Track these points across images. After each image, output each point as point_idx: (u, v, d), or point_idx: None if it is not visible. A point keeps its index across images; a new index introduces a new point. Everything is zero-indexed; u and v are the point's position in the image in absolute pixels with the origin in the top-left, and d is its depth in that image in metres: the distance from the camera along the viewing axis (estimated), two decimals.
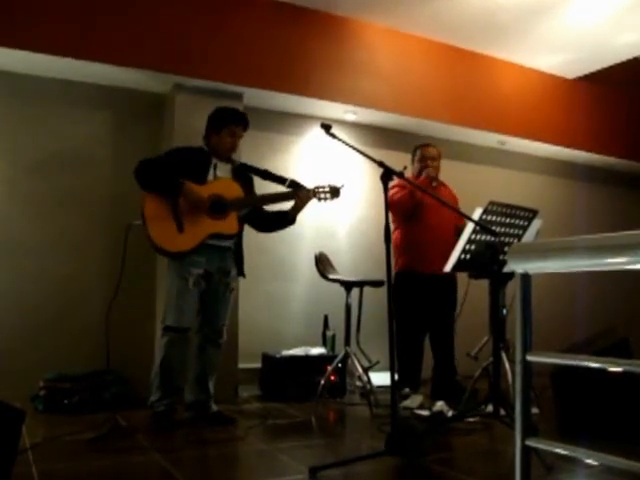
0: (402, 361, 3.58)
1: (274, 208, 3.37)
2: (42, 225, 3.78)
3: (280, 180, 3.32)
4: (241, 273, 3.30)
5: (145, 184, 3.04)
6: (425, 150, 3.82)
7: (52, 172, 3.83)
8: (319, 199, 3.28)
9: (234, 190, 3.14)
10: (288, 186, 3.27)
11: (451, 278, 3.75)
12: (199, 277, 3.09)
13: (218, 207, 3.07)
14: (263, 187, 3.44)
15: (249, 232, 4.10)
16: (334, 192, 3.28)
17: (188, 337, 3.10)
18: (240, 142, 3.30)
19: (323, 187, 3.27)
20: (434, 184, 3.76)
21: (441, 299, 3.75)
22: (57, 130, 3.88)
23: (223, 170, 3.23)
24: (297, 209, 3.27)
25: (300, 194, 3.22)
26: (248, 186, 3.30)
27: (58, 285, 3.78)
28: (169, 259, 3.12)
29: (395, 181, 3.74)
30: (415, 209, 3.68)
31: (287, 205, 3.30)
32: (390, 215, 3.81)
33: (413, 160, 3.88)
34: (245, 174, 3.33)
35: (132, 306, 3.80)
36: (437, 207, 3.62)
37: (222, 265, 3.17)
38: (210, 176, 3.15)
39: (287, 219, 3.31)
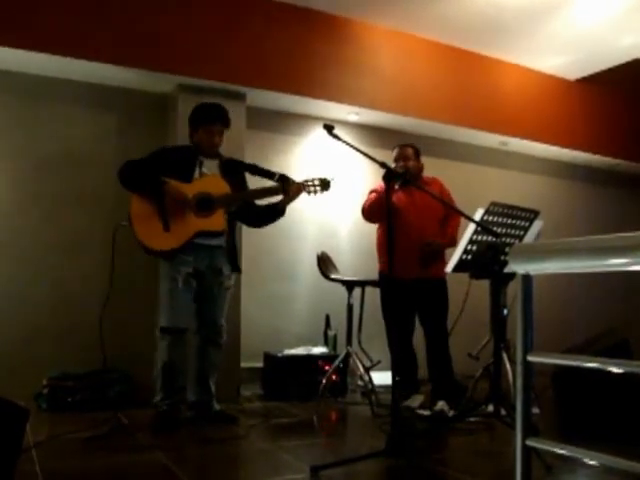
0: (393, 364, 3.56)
1: (263, 202, 3.32)
2: (46, 224, 3.79)
3: (269, 175, 3.27)
4: (236, 269, 3.27)
5: (128, 185, 3.04)
6: (397, 151, 3.75)
7: (56, 172, 3.84)
8: (308, 192, 3.24)
9: (221, 187, 3.12)
10: (277, 180, 3.23)
11: (432, 280, 3.62)
12: (188, 276, 3.07)
13: (205, 204, 3.05)
14: (259, 183, 3.40)
15: (251, 232, 4.12)
16: (324, 185, 3.24)
17: (185, 338, 3.09)
18: (223, 138, 3.24)
19: (312, 180, 3.24)
20: (396, 186, 3.61)
21: (422, 302, 3.63)
22: (61, 130, 3.89)
23: (210, 167, 3.21)
24: (286, 201, 3.23)
25: (289, 189, 3.18)
26: (239, 181, 3.27)
27: (62, 284, 3.78)
28: (160, 260, 3.11)
29: (375, 185, 3.74)
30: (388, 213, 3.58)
31: (277, 199, 3.26)
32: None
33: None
34: (235, 169, 3.30)
35: (136, 304, 3.81)
36: (412, 210, 3.58)
37: (213, 264, 3.14)
38: (196, 174, 3.14)
39: (277, 210, 3.27)
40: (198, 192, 3.06)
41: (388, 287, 3.57)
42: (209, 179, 3.16)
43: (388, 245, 2.53)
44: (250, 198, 3.29)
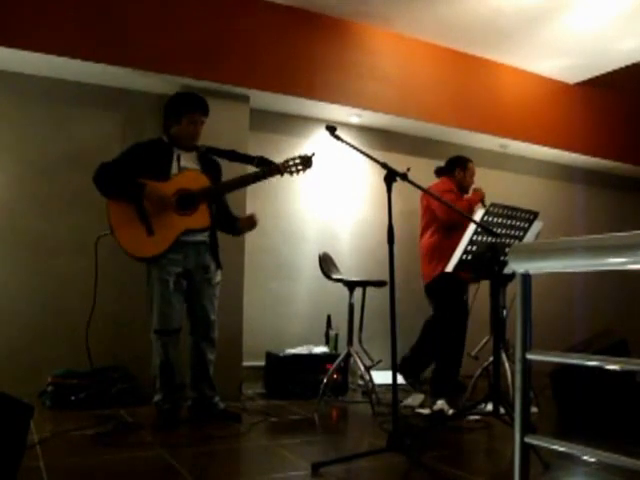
0: (447, 362, 3.79)
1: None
2: (51, 224, 3.80)
3: (248, 160, 3.20)
4: (219, 265, 3.21)
5: (105, 191, 2.96)
6: (473, 166, 4.16)
7: (63, 172, 3.84)
8: (290, 173, 3.13)
9: (201, 181, 3.04)
10: (257, 165, 3.15)
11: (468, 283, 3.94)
12: (179, 276, 3.03)
13: (187, 201, 2.98)
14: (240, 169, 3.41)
15: (252, 232, 4.13)
16: (305, 162, 3.12)
17: (179, 336, 3.09)
18: (202, 129, 3.17)
19: (293, 159, 3.13)
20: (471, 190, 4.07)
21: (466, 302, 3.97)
22: (69, 131, 3.90)
23: (188, 159, 3.12)
24: (243, 229, 3.31)
25: (270, 173, 3.08)
26: (215, 172, 3.20)
27: (68, 283, 3.77)
28: (147, 263, 3.06)
29: (445, 185, 3.96)
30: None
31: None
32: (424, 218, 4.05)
33: (460, 170, 4.12)
34: (212, 160, 3.22)
35: (138, 302, 3.82)
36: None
37: (200, 261, 3.10)
38: (174, 169, 3.06)
39: (235, 231, 3.32)
40: (178, 189, 2.98)
41: (451, 286, 3.81)
42: (188, 174, 3.06)
43: (389, 244, 2.53)
44: (232, 188, 3.17)
